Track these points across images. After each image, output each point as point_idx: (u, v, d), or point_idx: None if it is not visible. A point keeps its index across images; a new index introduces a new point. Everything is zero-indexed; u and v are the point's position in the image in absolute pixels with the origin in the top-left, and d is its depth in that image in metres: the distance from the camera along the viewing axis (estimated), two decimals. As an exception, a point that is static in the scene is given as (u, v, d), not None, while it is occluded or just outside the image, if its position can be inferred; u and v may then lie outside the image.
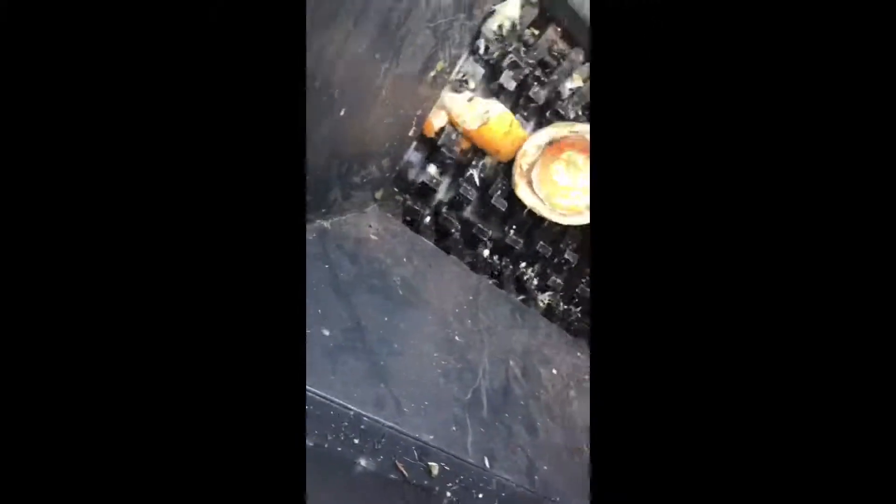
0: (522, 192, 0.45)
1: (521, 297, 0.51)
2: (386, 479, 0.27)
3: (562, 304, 0.53)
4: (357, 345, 0.30)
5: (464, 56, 0.44)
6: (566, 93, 0.49)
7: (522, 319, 0.45)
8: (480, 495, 0.30)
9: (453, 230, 0.47)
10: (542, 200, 0.46)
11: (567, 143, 0.46)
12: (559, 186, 0.46)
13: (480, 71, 0.46)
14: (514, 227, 0.49)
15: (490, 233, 0.49)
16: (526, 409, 0.36)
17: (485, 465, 0.30)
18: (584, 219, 0.47)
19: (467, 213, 0.48)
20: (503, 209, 0.48)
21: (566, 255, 0.51)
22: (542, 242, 0.50)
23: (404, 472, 0.28)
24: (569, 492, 0.34)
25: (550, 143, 0.45)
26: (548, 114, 0.48)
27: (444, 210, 0.47)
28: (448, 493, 0.29)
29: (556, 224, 0.50)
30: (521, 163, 0.45)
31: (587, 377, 0.45)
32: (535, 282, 0.52)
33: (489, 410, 0.34)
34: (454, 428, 0.31)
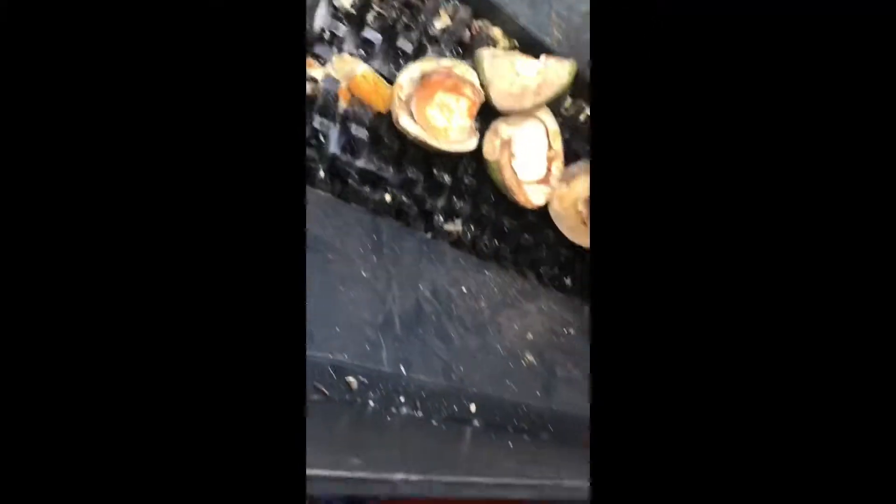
0: (405, 122, 0.47)
1: (429, 233, 0.54)
2: (309, 401, 0.30)
3: (469, 232, 0.57)
4: (261, 290, 0.32)
5: (322, 8, 0.45)
6: (436, 33, 0.52)
7: (430, 249, 0.48)
8: (402, 398, 0.33)
9: (349, 180, 0.49)
10: (424, 130, 0.48)
11: (436, 82, 0.48)
12: (439, 128, 0.49)
13: (342, 27, 0.47)
14: (410, 166, 0.52)
15: (388, 177, 0.51)
16: (438, 323, 0.40)
17: (401, 372, 0.34)
18: (470, 145, 0.50)
19: (361, 162, 0.50)
20: (395, 150, 0.50)
21: (465, 182, 0.55)
22: (440, 174, 0.53)
23: (325, 391, 0.30)
24: (485, 382, 0.38)
25: (422, 77, 0.47)
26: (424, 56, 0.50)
27: (337, 162, 0.48)
28: (371, 402, 0.32)
29: (450, 156, 0.53)
30: (399, 94, 0.47)
31: (496, 290, 0.49)
32: (441, 217, 0.55)
33: (402, 328, 0.37)
34: (367, 347, 0.34)
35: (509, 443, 0.36)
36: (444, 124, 0.50)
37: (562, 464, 0.36)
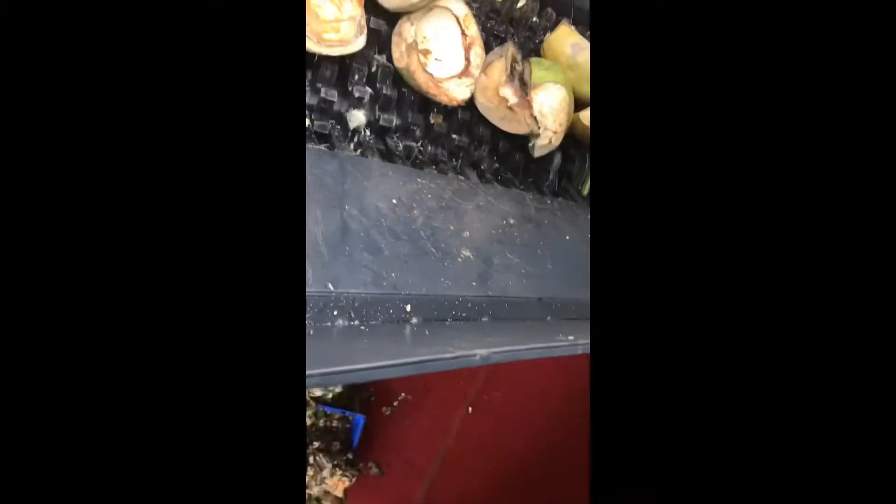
0: None
1: (358, 150, 0.54)
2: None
3: (400, 143, 0.57)
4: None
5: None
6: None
7: (355, 168, 0.48)
8: (335, 311, 0.36)
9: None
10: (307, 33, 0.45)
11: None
12: (327, 21, 0.46)
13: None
14: (323, 86, 0.50)
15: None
16: (367, 238, 0.42)
17: (329, 289, 0.36)
18: (357, 46, 0.48)
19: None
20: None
21: (385, 93, 0.53)
22: (357, 88, 0.52)
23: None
24: (418, 283, 0.41)
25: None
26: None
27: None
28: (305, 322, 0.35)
29: (335, 60, 0.50)
30: None
31: (430, 196, 0.50)
32: (367, 132, 0.55)
33: (327, 249, 0.39)
34: (291, 271, 0.35)
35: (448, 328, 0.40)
36: (334, 14, 0.47)
37: (504, 336, 0.39)
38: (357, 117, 0.53)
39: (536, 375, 1.09)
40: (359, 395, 1.11)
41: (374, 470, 1.07)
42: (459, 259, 0.45)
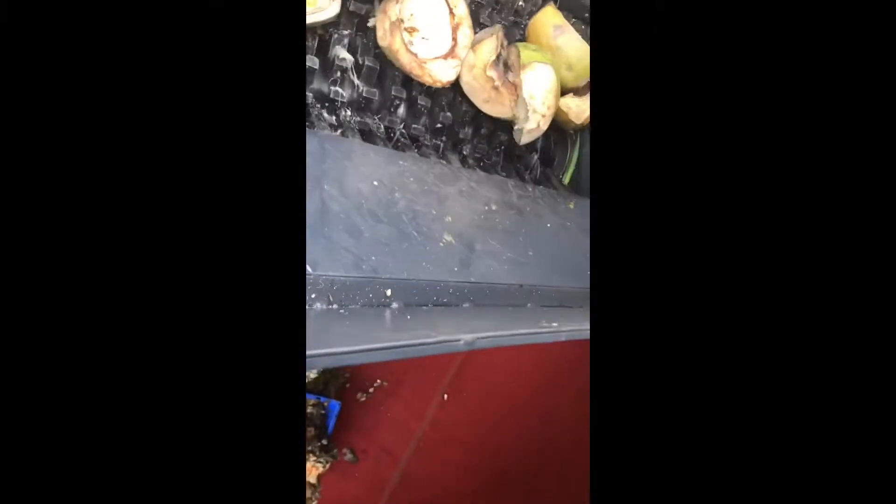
0: None
1: (339, 129, 0.52)
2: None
3: (382, 124, 0.55)
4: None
5: None
6: None
7: (335, 147, 0.47)
8: (313, 295, 0.35)
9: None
10: None
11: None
12: None
13: None
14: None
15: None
16: (347, 220, 0.40)
17: (307, 272, 0.35)
18: (331, 12, 0.46)
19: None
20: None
21: (367, 67, 0.52)
22: (337, 64, 0.50)
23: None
24: (399, 268, 0.40)
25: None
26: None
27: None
28: (281, 303, 0.33)
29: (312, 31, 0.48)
30: None
31: (412, 179, 0.49)
32: (348, 111, 0.53)
33: (306, 229, 0.37)
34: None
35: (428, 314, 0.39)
36: (312, -6, 0.45)
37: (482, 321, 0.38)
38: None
39: (513, 363, 1.10)
40: (334, 382, 1.10)
41: (349, 456, 1.06)
42: (441, 244, 0.44)
